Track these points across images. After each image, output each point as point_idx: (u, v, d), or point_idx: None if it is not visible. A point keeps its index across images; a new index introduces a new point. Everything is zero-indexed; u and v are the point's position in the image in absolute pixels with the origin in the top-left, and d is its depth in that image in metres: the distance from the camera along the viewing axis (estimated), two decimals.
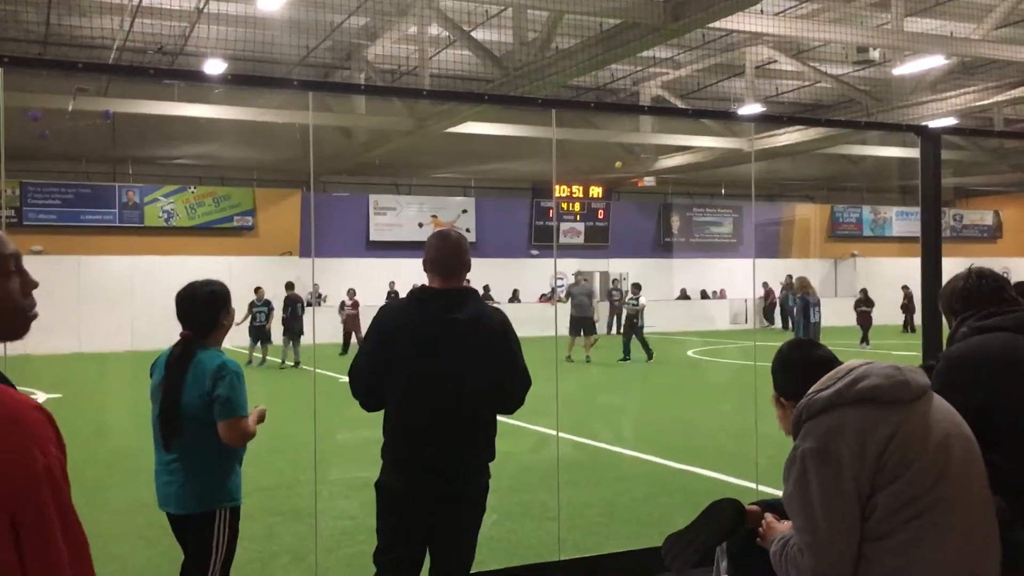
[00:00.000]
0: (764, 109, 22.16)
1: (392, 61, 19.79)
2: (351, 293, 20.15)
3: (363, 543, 5.24)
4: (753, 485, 5.67)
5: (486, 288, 25.12)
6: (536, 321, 15.22)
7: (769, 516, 2.70)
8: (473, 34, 17.35)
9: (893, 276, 25.38)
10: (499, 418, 3.32)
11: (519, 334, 3.31)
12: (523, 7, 15.43)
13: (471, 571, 3.37)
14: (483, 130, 21.84)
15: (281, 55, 18.18)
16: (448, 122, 20.31)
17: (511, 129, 22.15)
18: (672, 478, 7.59)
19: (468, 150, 25.47)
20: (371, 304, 18.32)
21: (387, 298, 22.93)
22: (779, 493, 2.52)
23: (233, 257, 23.75)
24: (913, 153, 5.43)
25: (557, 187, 28.76)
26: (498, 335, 3.21)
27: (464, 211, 28.94)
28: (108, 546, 5.50)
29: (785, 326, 26.70)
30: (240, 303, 14.00)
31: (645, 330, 18.29)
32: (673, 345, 22.19)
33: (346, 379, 3.30)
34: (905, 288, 24.83)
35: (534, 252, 29.22)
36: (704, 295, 30.49)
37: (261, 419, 3.49)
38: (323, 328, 18.97)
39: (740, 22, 14.59)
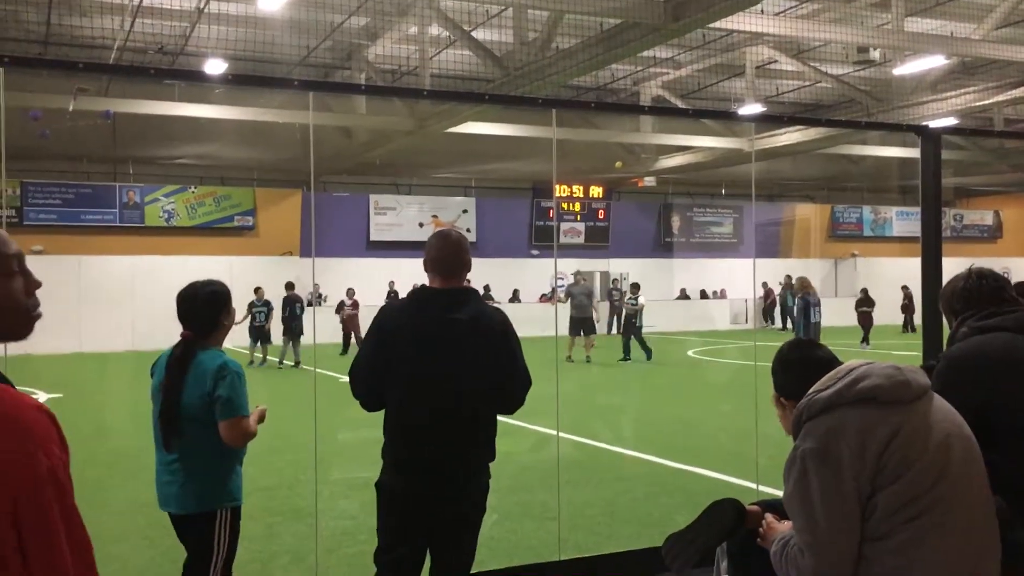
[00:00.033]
0: (764, 109, 22.15)
1: (392, 61, 19.80)
2: (350, 293, 20.16)
3: (363, 543, 5.24)
4: (753, 485, 5.67)
5: (486, 288, 25.13)
6: (536, 321, 15.22)
7: (769, 516, 2.70)
8: (473, 34, 17.35)
9: (893, 276, 25.38)
10: (499, 418, 3.32)
11: (519, 334, 3.31)
12: (523, 7, 15.43)
13: (471, 571, 3.37)
14: (483, 130, 21.84)
15: (282, 55, 18.18)
16: (448, 122, 20.32)
17: (511, 129, 22.15)
18: (672, 478, 7.59)
19: (468, 150, 25.47)
20: (371, 304, 18.33)
21: (387, 298, 22.94)
22: (779, 493, 2.52)
23: (234, 257, 23.76)
24: (913, 153, 5.43)
25: (557, 187, 28.77)
26: (498, 335, 3.21)
27: (464, 211, 28.95)
28: (108, 546, 5.50)
29: (785, 326, 26.71)
30: (240, 303, 14.00)
31: (645, 330, 18.28)
32: (673, 345, 22.19)
33: (346, 379, 3.30)
34: (905, 288, 24.83)
35: (534, 252, 29.23)
36: (703, 295, 30.49)
37: (261, 419, 3.49)
38: (323, 328, 18.97)
39: (740, 22, 14.59)
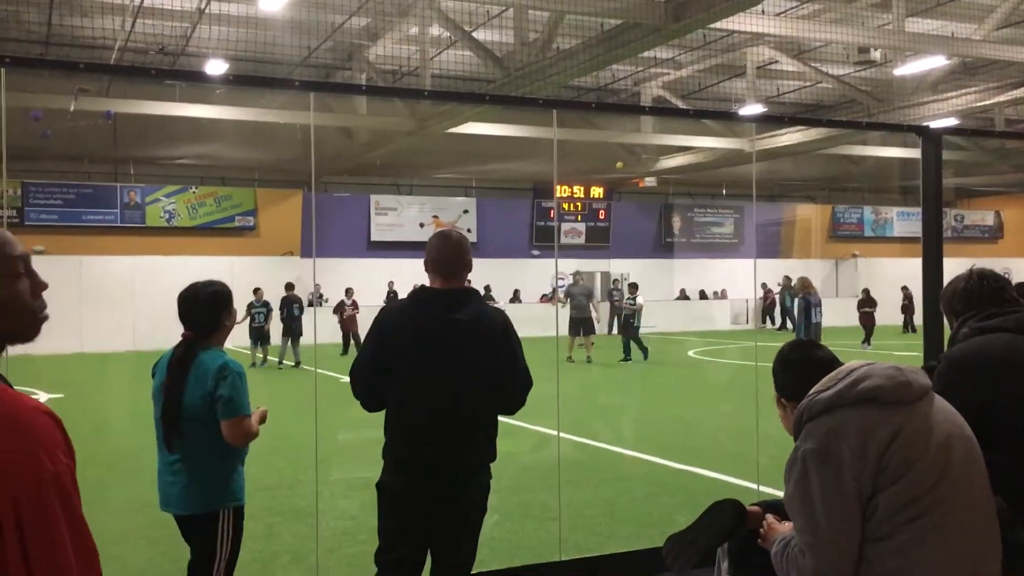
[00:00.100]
0: (765, 109, 22.15)
1: (393, 61, 19.81)
2: (349, 293, 20.13)
3: (364, 543, 5.24)
4: (754, 486, 5.67)
5: (487, 288, 25.14)
6: (537, 321, 15.22)
7: (770, 517, 2.70)
8: (474, 34, 17.35)
9: (894, 276, 25.37)
10: (500, 418, 3.32)
11: (520, 334, 3.31)
12: (524, 7, 15.43)
13: (472, 571, 3.37)
14: (484, 130, 21.85)
15: (282, 56, 18.19)
16: (449, 122, 20.32)
17: (512, 129, 22.16)
18: (673, 478, 7.59)
19: (469, 150, 25.48)
20: (371, 305, 18.33)
21: (387, 298, 22.95)
22: (780, 494, 2.52)
23: (234, 257, 23.77)
24: (914, 153, 5.43)
25: (558, 187, 28.77)
26: (499, 335, 3.21)
27: (465, 211, 28.95)
28: (108, 546, 5.50)
29: (784, 326, 26.70)
30: (241, 304, 14.00)
31: (645, 330, 18.27)
32: (674, 345, 22.19)
33: (347, 379, 3.30)
34: (905, 289, 24.82)
35: (535, 252, 29.23)
36: (703, 295, 30.49)
37: (262, 420, 3.50)
38: (324, 328, 18.98)
39: (741, 23, 14.59)
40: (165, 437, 3.35)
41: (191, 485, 3.33)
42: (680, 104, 22.26)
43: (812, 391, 2.42)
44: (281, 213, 26.35)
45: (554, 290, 25.28)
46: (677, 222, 31.91)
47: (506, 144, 24.00)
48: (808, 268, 27.48)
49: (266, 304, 17.53)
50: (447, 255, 3.27)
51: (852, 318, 22.27)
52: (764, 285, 28.74)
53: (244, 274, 19.61)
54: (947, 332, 3.26)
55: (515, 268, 27.77)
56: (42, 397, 11.97)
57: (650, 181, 28.65)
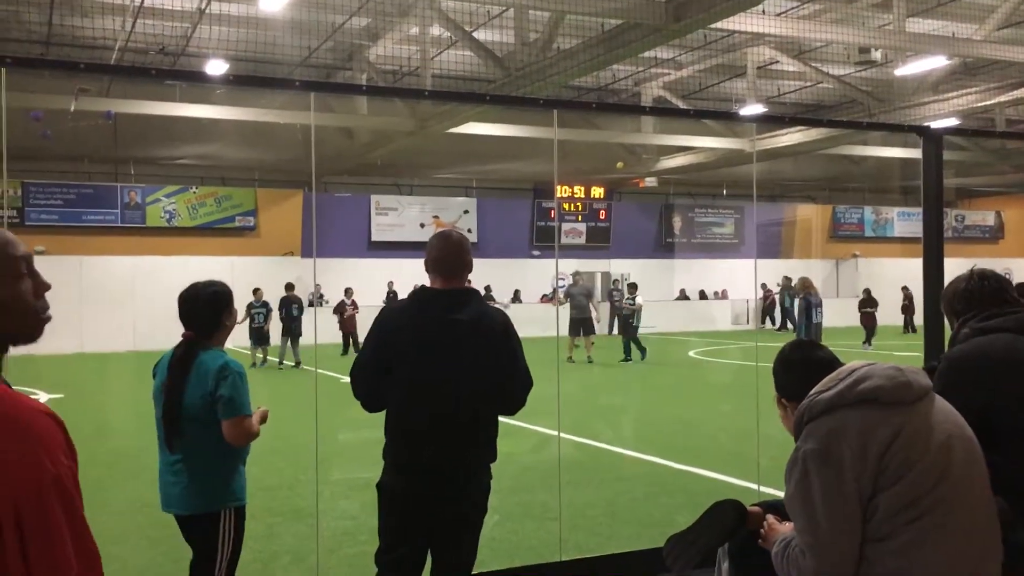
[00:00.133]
0: (766, 110, 22.15)
1: (394, 62, 19.81)
2: (348, 293, 20.10)
3: (364, 543, 5.24)
4: (755, 486, 5.66)
5: (487, 288, 25.14)
6: (537, 322, 15.22)
7: (771, 517, 2.70)
8: (475, 35, 17.35)
9: (895, 277, 25.37)
10: (500, 419, 3.32)
11: (520, 335, 3.31)
12: (525, 8, 15.43)
13: (472, 571, 3.37)
14: (485, 130, 21.85)
15: (283, 56, 18.19)
16: (450, 122, 20.33)
17: (513, 129, 22.16)
18: (673, 479, 7.59)
19: (470, 150, 25.48)
20: (370, 305, 18.32)
21: (386, 298, 22.94)
22: (781, 494, 2.52)
23: (235, 257, 23.78)
24: (915, 154, 5.43)
25: (559, 187, 28.77)
26: (499, 335, 3.21)
27: (466, 211, 28.95)
28: (108, 546, 5.50)
29: (784, 326, 26.68)
30: (241, 304, 14.00)
31: (645, 330, 18.26)
32: (674, 346, 22.19)
33: (347, 379, 3.30)
34: (905, 289, 24.82)
35: (535, 253, 29.23)
36: (702, 295, 30.48)
37: (263, 420, 3.50)
38: (324, 328, 18.98)
39: (742, 23, 14.59)
40: (166, 437, 3.35)
41: (192, 485, 3.33)
42: (681, 104, 22.26)
43: (813, 391, 2.42)
44: (281, 213, 26.36)
45: (554, 290, 25.28)
46: (678, 222, 31.91)
47: (506, 144, 24.00)
48: (809, 268, 27.48)
49: (265, 304, 17.53)
50: (447, 255, 3.27)
51: (852, 318, 22.25)
52: (764, 286, 28.74)
53: (244, 274, 19.62)
54: (948, 332, 3.26)
55: (515, 268, 27.78)
56: (42, 397, 11.98)
57: (651, 181, 28.65)
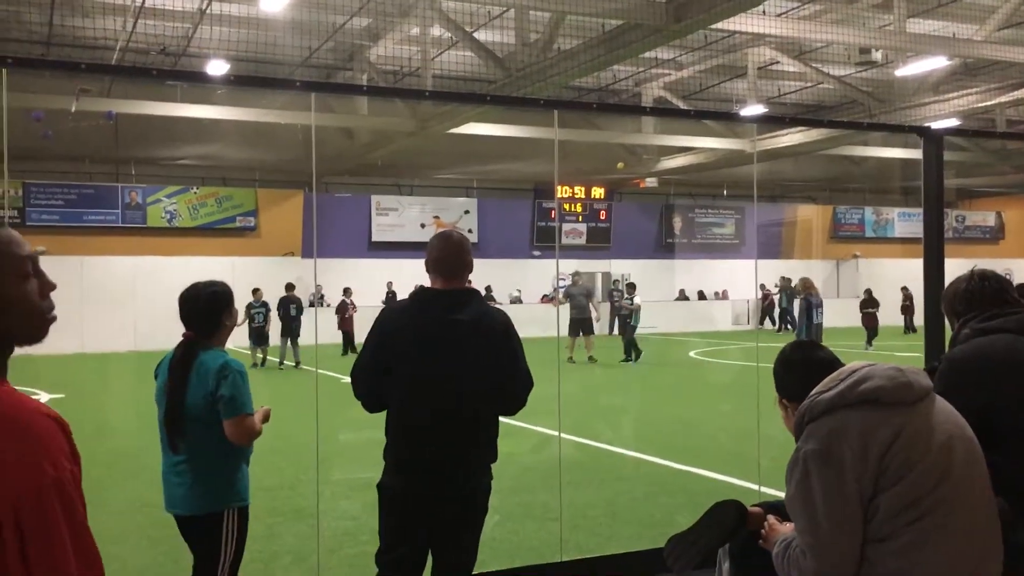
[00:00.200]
0: (766, 110, 22.15)
1: (394, 62, 19.82)
2: (348, 292, 20.07)
3: (365, 543, 5.24)
4: (755, 486, 5.66)
5: (488, 289, 25.14)
6: (538, 322, 15.22)
7: (771, 518, 2.70)
8: (475, 35, 17.35)
9: (895, 277, 25.36)
10: (501, 419, 3.32)
11: (521, 335, 3.31)
12: (525, 8, 15.43)
13: (472, 572, 3.37)
14: (485, 131, 21.85)
15: (283, 56, 18.20)
16: (450, 123, 20.33)
17: (513, 130, 22.16)
18: (674, 479, 7.59)
19: (470, 151, 25.48)
20: (370, 305, 18.31)
21: (385, 299, 22.95)
22: (781, 494, 2.52)
23: (235, 258, 23.78)
24: (915, 154, 5.43)
25: (559, 188, 28.76)
26: (500, 336, 3.21)
27: (466, 212, 28.95)
28: (109, 546, 5.50)
29: (783, 327, 26.66)
30: (242, 304, 14.01)
31: (645, 331, 18.25)
32: (675, 346, 22.18)
33: (347, 380, 3.30)
34: (905, 289, 24.82)
35: (536, 253, 29.23)
36: (701, 296, 30.47)
37: (266, 419, 3.49)
38: (325, 329, 18.97)
39: (742, 23, 14.59)
40: (169, 438, 3.34)
41: (196, 486, 3.33)
42: (681, 105, 22.26)
43: (813, 392, 2.42)
44: (282, 213, 26.36)
45: (555, 290, 25.29)
46: (678, 223, 31.90)
47: (507, 144, 24.01)
48: (809, 269, 27.47)
49: (265, 304, 17.52)
50: (448, 256, 3.27)
51: (853, 319, 22.23)
52: (762, 286, 28.74)
53: (245, 274, 19.61)
54: (948, 333, 3.26)
55: (516, 269, 27.78)
56: (43, 397, 11.98)
57: (651, 182, 28.64)
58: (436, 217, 28.25)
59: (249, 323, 17.22)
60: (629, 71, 21.80)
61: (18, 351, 1.46)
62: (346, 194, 27.89)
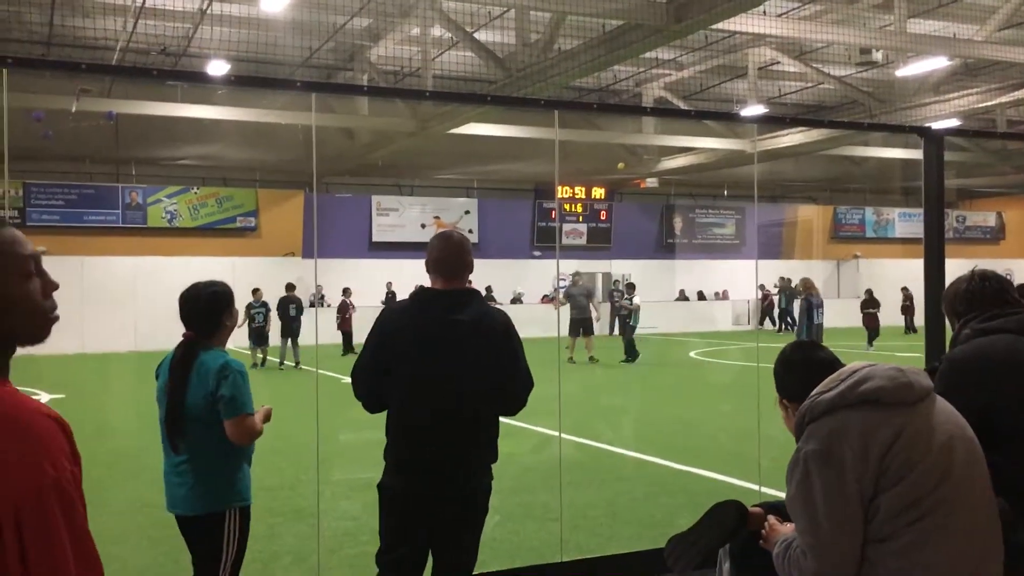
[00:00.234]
0: (767, 110, 22.15)
1: (395, 62, 19.82)
2: (347, 293, 20.05)
3: (365, 544, 5.24)
4: (756, 487, 5.66)
5: (488, 289, 25.14)
6: (538, 322, 15.21)
7: (772, 518, 2.70)
8: (476, 35, 17.36)
9: (896, 277, 25.36)
10: (501, 419, 3.32)
11: (521, 335, 3.31)
12: (526, 8, 15.44)
13: (473, 572, 3.37)
14: (486, 131, 21.86)
15: (284, 56, 18.20)
16: (451, 123, 20.33)
17: (513, 130, 22.16)
18: (674, 479, 7.59)
19: (471, 151, 25.49)
20: (369, 305, 18.31)
21: (385, 299, 22.95)
22: (782, 495, 2.51)
23: (236, 258, 23.78)
24: (916, 154, 5.43)
25: (559, 188, 28.76)
26: (500, 336, 3.22)
27: (467, 212, 28.95)
28: (109, 546, 5.50)
29: (782, 328, 26.65)
30: (242, 305, 14.00)
31: (646, 331, 18.25)
32: (675, 346, 22.18)
33: (348, 380, 3.30)
34: (905, 290, 24.82)
35: (536, 253, 29.22)
36: (701, 296, 30.46)
37: (267, 418, 3.49)
38: (325, 329, 18.97)
39: (743, 23, 14.59)
40: (170, 439, 3.34)
41: (197, 486, 3.33)
42: (682, 105, 22.26)
43: (814, 392, 2.41)
44: (282, 214, 26.36)
45: (555, 291, 25.29)
46: (678, 223, 31.90)
47: (507, 145, 24.01)
48: (810, 269, 27.47)
49: (265, 304, 17.52)
50: (448, 256, 3.27)
51: (853, 319, 22.22)
52: (762, 287, 28.74)
53: (246, 275, 19.61)
54: (949, 333, 3.26)
55: (516, 269, 27.78)
56: (43, 397, 11.99)
57: (651, 182, 28.64)
58: (436, 217, 28.25)
59: (249, 323, 17.21)
60: (630, 71, 21.80)
61: (19, 351, 1.46)
62: (346, 194, 27.89)
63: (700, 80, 22.38)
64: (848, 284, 31.24)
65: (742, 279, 29.78)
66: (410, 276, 19.36)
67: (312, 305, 19.68)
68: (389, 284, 23.90)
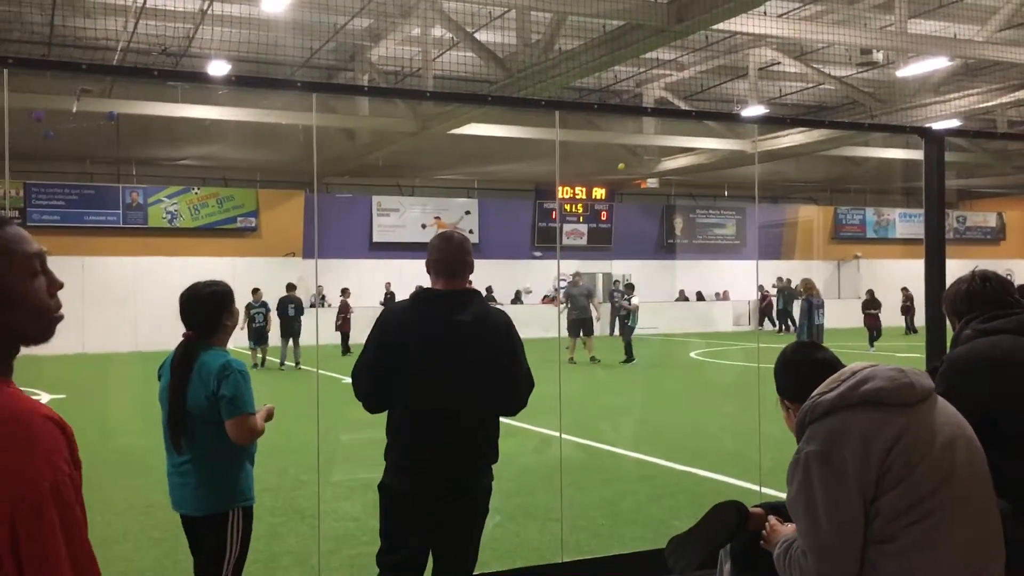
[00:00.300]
0: (767, 111, 22.14)
1: (395, 63, 19.83)
2: (346, 293, 20.03)
3: (366, 544, 5.24)
4: (756, 487, 5.66)
5: (488, 289, 25.13)
6: (539, 322, 15.21)
7: (772, 519, 2.70)
8: (476, 36, 17.36)
9: (896, 278, 25.35)
10: (502, 419, 3.32)
11: (522, 335, 3.31)
12: (526, 9, 15.44)
13: (473, 572, 3.37)
14: (486, 131, 21.86)
15: (285, 57, 18.21)
16: (451, 123, 20.33)
17: (514, 130, 22.17)
18: (675, 480, 7.58)
19: (471, 151, 25.49)
20: (368, 306, 18.31)
21: (384, 299, 22.95)
22: (782, 495, 2.51)
23: (236, 258, 23.78)
24: (917, 155, 5.43)
25: (560, 188, 28.76)
26: (501, 336, 3.22)
27: (467, 212, 28.95)
28: (111, 546, 5.51)
29: (782, 328, 26.64)
30: (242, 304, 14.00)
31: (646, 332, 18.24)
32: (676, 347, 22.18)
33: (348, 380, 3.30)
34: (905, 290, 24.81)
35: (537, 254, 29.22)
36: (700, 297, 30.45)
37: (269, 417, 3.49)
38: (325, 329, 18.97)
39: (744, 24, 14.60)
40: (172, 439, 3.34)
41: (200, 486, 3.33)
42: (682, 105, 22.27)
43: (815, 393, 2.41)
44: (283, 214, 26.36)
45: (556, 291, 25.29)
46: (679, 223, 31.89)
47: (508, 145, 24.01)
48: (810, 269, 27.44)
49: (264, 305, 17.51)
50: (449, 256, 3.27)
51: (854, 320, 22.21)
52: (761, 287, 28.73)
53: (246, 275, 19.61)
54: (949, 334, 3.26)
55: (517, 269, 27.78)
56: (44, 397, 11.99)
57: (652, 182, 28.64)
58: (437, 218, 28.25)
59: (249, 323, 17.21)
60: (630, 72, 21.80)
61: (21, 351, 1.45)
62: (347, 195, 27.89)
63: (701, 80, 22.38)
64: (848, 285, 31.23)
65: (743, 280, 29.77)
66: (410, 276, 19.42)
67: (312, 305, 19.68)
68: (388, 284, 23.90)
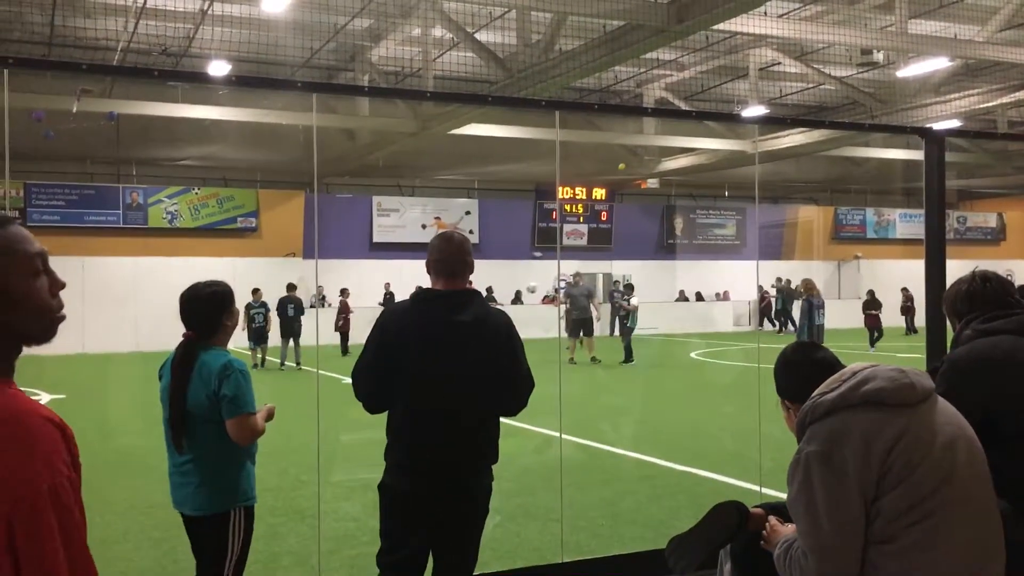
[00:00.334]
0: (768, 111, 22.14)
1: (396, 63, 19.83)
2: (345, 293, 20.01)
3: (366, 544, 5.24)
4: (757, 487, 5.66)
5: (488, 290, 25.13)
6: (539, 322, 15.20)
7: (773, 519, 2.70)
8: (477, 36, 17.36)
9: (896, 278, 25.35)
10: (502, 420, 3.32)
11: (522, 335, 3.31)
12: (527, 9, 15.44)
13: (473, 573, 3.37)
14: (486, 132, 21.86)
15: (285, 57, 18.21)
16: (451, 124, 20.33)
17: (514, 131, 22.16)
18: (675, 480, 7.58)
19: (471, 152, 25.49)
20: (368, 306, 18.30)
21: (383, 299, 22.94)
22: (783, 495, 2.51)
23: (237, 258, 23.78)
24: (917, 155, 5.43)
25: (560, 189, 28.76)
26: (502, 337, 3.22)
27: (467, 213, 28.94)
28: (112, 547, 5.51)
29: (782, 329, 26.64)
30: (242, 305, 14.00)
31: (647, 332, 18.24)
32: (676, 347, 22.17)
33: (348, 380, 3.30)
34: (905, 290, 24.80)
35: (537, 254, 29.21)
36: (699, 297, 30.45)
37: (270, 417, 3.49)
38: (325, 329, 18.97)
39: (744, 24, 14.60)
40: (174, 439, 3.34)
41: (202, 486, 3.33)
42: (682, 106, 22.27)
43: (815, 393, 2.41)
44: (283, 214, 26.36)
45: (556, 291, 25.28)
46: (679, 224, 31.89)
47: (508, 145, 24.01)
48: (810, 270, 27.43)
49: (264, 305, 17.51)
50: (449, 256, 3.27)
51: (854, 320, 22.20)
52: (760, 288, 28.72)
53: (246, 275, 19.61)
54: (950, 334, 3.26)
55: (517, 269, 27.77)
56: (44, 398, 11.99)
57: (652, 182, 28.63)
58: (437, 218, 28.24)
59: (249, 324, 17.20)
60: (631, 72, 21.80)
61: (23, 351, 1.45)
62: (347, 195, 27.89)
63: (701, 81, 22.38)
64: (849, 285, 31.22)
65: (743, 280, 29.76)
66: (410, 277, 19.40)
67: (312, 306, 19.67)
68: (388, 285, 23.89)
